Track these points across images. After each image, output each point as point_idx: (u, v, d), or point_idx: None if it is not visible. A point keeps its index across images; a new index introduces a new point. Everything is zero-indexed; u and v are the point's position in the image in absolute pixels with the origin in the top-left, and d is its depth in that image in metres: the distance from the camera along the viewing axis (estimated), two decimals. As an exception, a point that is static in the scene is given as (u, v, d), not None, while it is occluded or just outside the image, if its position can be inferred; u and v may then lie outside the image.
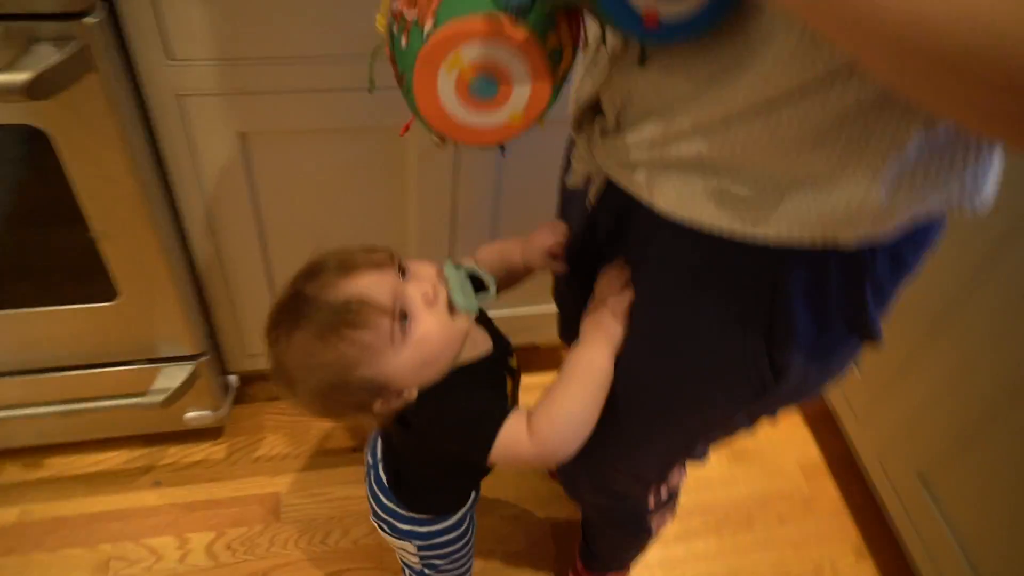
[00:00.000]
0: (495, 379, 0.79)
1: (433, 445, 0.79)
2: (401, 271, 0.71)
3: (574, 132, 0.67)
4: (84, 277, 1.07)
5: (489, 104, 0.55)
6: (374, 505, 0.95)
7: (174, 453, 1.40)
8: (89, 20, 0.81)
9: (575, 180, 0.68)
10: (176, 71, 0.92)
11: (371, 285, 0.66)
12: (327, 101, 0.99)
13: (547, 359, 1.49)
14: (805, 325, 0.60)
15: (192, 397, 1.29)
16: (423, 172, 1.11)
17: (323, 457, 1.43)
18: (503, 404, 0.78)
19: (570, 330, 0.84)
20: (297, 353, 0.68)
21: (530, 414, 0.72)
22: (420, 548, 0.95)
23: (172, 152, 1.01)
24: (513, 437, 0.71)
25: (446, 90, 0.54)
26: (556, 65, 0.54)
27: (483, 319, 0.86)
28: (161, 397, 1.21)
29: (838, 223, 0.52)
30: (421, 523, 0.93)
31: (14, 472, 1.35)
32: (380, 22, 0.59)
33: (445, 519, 0.93)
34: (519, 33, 0.50)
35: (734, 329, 0.61)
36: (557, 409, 0.71)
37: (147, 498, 1.34)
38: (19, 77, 0.76)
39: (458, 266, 0.73)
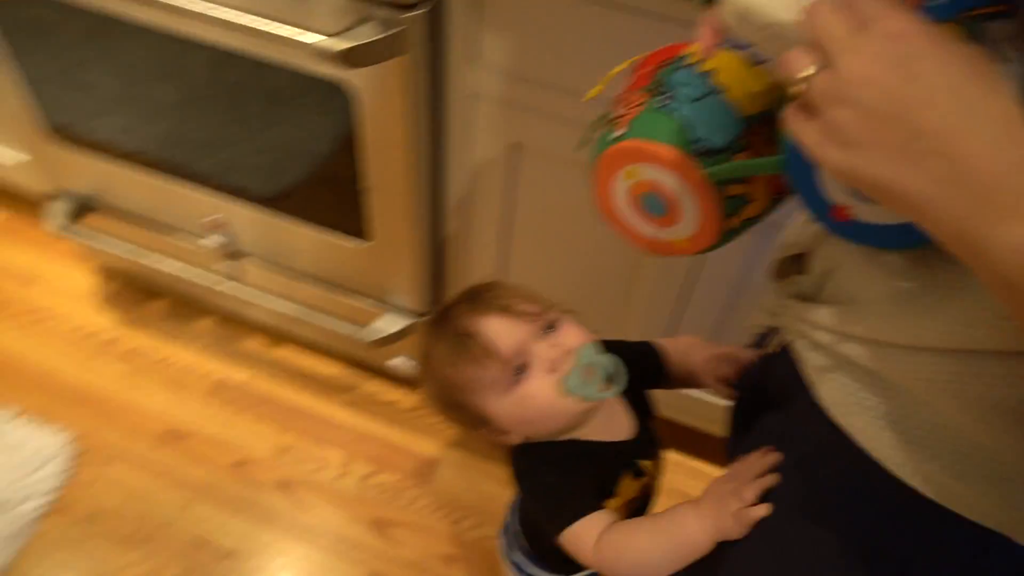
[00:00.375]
0: (608, 469, 0.77)
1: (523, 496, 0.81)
2: (551, 326, 0.71)
3: (773, 278, 0.62)
4: (350, 215, 1.21)
5: (657, 220, 0.55)
6: (507, 520, 0.97)
7: (373, 387, 1.55)
8: (415, 13, 0.91)
9: (757, 322, 0.63)
10: (475, 73, 0.99)
11: (502, 331, 0.71)
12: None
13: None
14: None
15: (401, 346, 1.41)
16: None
17: (491, 450, 1.49)
18: (592, 500, 0.73)
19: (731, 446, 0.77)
20: (431, 357, 0.76)
21: (611, 527, 0.70)
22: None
23: (451, 138, 1.09)
24: (582, 537, 0.70)
25: (620, 192, 0.56)
26: (735, 210, 0.51)
27: (644, 411, 0.83)
28: (374, 337, 1.34)
29: None
30: (536, 560, 0.93)
31: (254, 344, 1.60)
32: (592, 93, 0.60)
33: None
34: (694, 175, 0.49)
35: None
36: (634, 544, 0.68)
37: (338, 413, 1.51)
38: (341, 45, 0.89)
39: (601, 351, 0.71)
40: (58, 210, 1.46)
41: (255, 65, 1.03)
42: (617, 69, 0.60)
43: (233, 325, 1.61)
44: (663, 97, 0.51)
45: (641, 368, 0.80)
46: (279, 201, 1.27)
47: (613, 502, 0.77)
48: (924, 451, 0.47)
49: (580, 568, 0.87)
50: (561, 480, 0.73)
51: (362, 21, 0.91)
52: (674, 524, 0.67)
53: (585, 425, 0.74)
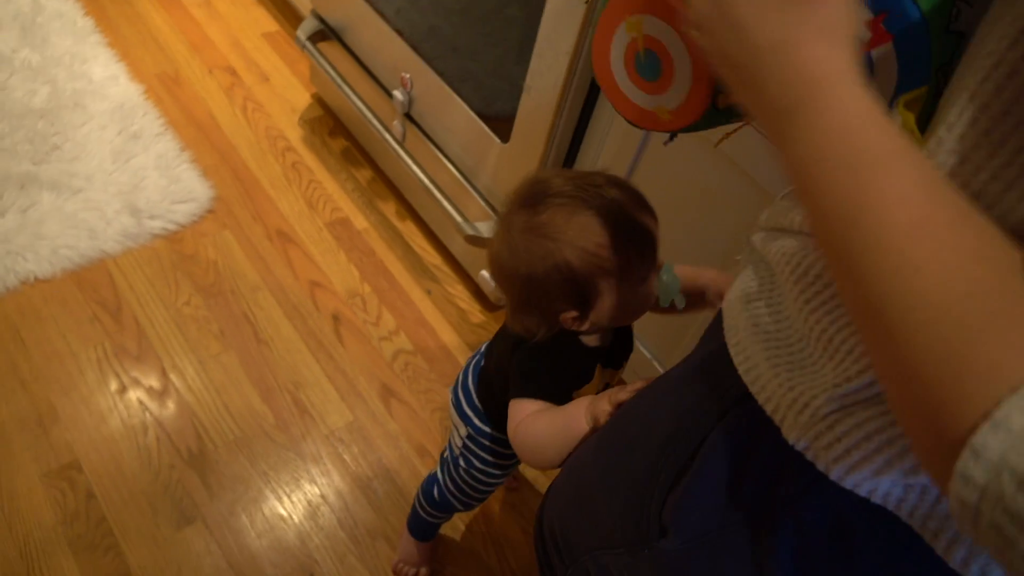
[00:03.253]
0: (589, 366, 0.84)
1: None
2: None
3: None
4: (503, 110, 1.31)
5: (648, 85, 0.55)
6: (460, 379, 1.01)
7: (456, 290, 1.63)
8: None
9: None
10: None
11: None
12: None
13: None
14: None
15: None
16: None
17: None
18: (548, 387, 0.80)
19: None
20: (575, 225, 0.74)
21: (536, 414, 0.78)
22: (466, 438, 1.00)
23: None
24: (516, 412, 0.79)
25: (617, 48, 0.56)
26: (721, 93, 0.51)
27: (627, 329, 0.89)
28: (471, 232, 1.42)
29: None
30: (484, 419, 0.97)
31: (388, 208, 1.74)
32: None
33: (499, 430, 0.95)
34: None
35: None
36: (535, 427, 0.77)
37: (415, 293, 1.60)
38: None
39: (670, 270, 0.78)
40: (308, 27, 1.70)
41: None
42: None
43: (381, 186, 1.76)
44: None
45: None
46: (457, 81, 1.39)
47: (587, 388, 0.84)
48: (754, 332, 0.48)
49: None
50: (545, 368, 0.81)
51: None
52: (566, 411, 0.76)
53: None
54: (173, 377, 1.37)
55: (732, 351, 0.48)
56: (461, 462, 1.03)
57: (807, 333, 0.43)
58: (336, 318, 1.52)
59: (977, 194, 0.35)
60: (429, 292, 1.61)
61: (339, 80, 1.64)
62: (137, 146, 1.66)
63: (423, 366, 1.49)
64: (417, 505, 1.16)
